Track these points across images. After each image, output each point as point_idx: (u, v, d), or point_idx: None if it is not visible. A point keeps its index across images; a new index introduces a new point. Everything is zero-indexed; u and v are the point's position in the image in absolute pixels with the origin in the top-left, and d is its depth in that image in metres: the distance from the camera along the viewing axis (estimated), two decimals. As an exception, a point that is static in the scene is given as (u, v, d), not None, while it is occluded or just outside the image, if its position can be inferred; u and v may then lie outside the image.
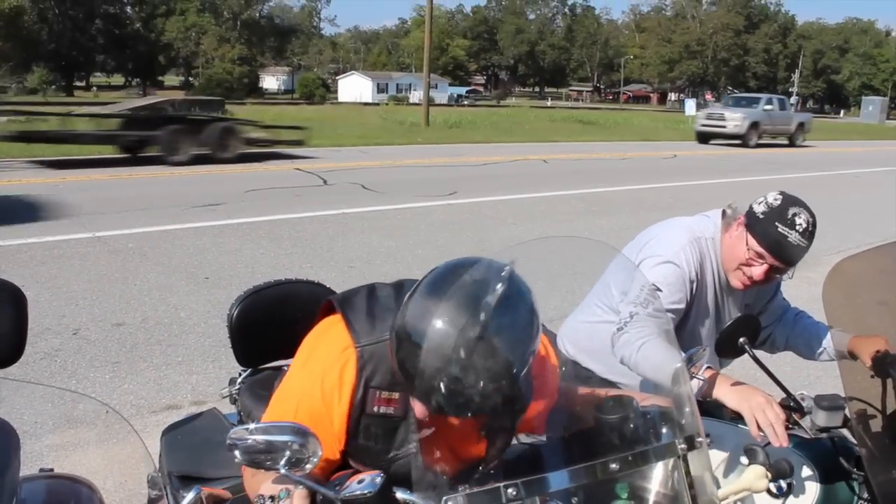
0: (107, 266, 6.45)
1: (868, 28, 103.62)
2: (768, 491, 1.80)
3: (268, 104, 44.49)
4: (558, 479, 1.18)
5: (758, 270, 2.14)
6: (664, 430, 1.37)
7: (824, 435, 1.79)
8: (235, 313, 2.00)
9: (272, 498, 1.23)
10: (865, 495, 1.80)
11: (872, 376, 1.85)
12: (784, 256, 2.09)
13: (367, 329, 1.42)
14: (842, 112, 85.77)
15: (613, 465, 1.21)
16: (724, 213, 2.29)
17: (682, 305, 2.20)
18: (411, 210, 9.77)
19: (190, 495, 1.20)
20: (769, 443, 1.73)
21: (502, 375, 1.14)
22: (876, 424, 1.75)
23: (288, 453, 1.16)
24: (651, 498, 1.32)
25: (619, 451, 1.26)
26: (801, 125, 26.67)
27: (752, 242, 2.12)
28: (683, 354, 1.65)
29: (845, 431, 1.82)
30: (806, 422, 1.81)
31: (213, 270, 6.44)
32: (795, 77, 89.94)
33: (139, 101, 31.09)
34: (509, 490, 1.12)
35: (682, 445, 1.28)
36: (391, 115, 31.98)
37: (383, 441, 1.42)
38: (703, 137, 24.96)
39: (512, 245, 1.52)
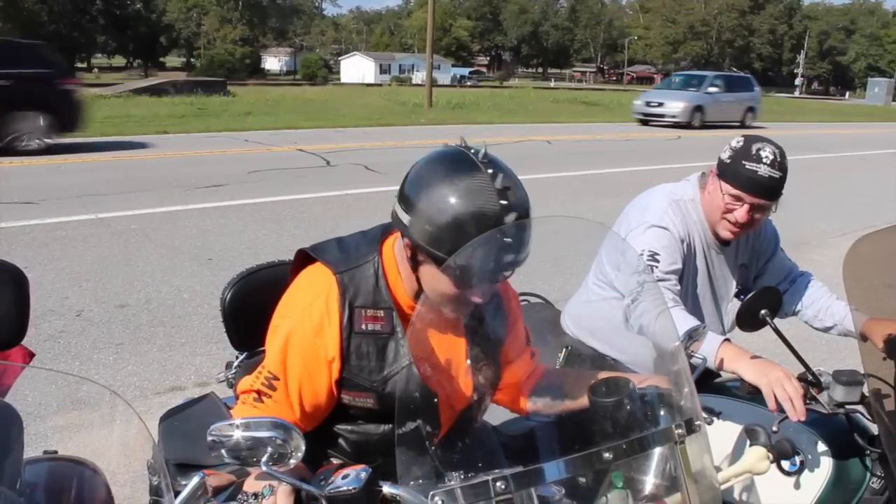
0: (109, 248, 6.43)
1: (875, 9, 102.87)
2: (780, 468, 1.79)
3: (270, 85, 44.33)
4: (549, 471, 1.13)
5: (740, 213, 2.14)
6: (662, 413, 1.32)
7: (841, 411, 1.77)
8: (228, 297, 1.94)
9: (255, 495, 1.19)
10: (879, 472, 1.79)
11: (885, 358, 1.83)
12: (760, 191, 2.09)
13: (341, 259, 1.53)
14: (847, 94, 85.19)
15: (607, 455, 1.16)
16: (702, 174, 2.30)
17: (680, 265, 2.19)
18: (414, 191, 9.70)
19: (194, 480, 1.17)
20: (786, 417, 1.71)
21: (527, 202, 1.35)
22: (891, 403, 1.73)
23: (270, 449, 1.14)
24: (648, 485, 1.27)
25: (615, 438, 1.22)
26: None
27: (727, 187, 2.13)
28: (682, 332, 1.62)
29: (861, 408, 1.80)
30: (823, 397, 1.79)
31: (215, 252, 6.42)
32: (801, 58, 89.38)
33: (141, 82, 31.08)
34: (498, 483, 1.07)
35: (680, 430, 1.24)
36: (394, 95, 31.86)
37: (376, 359, 1.49)
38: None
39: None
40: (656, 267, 2.13)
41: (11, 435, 1.58)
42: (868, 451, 1.79)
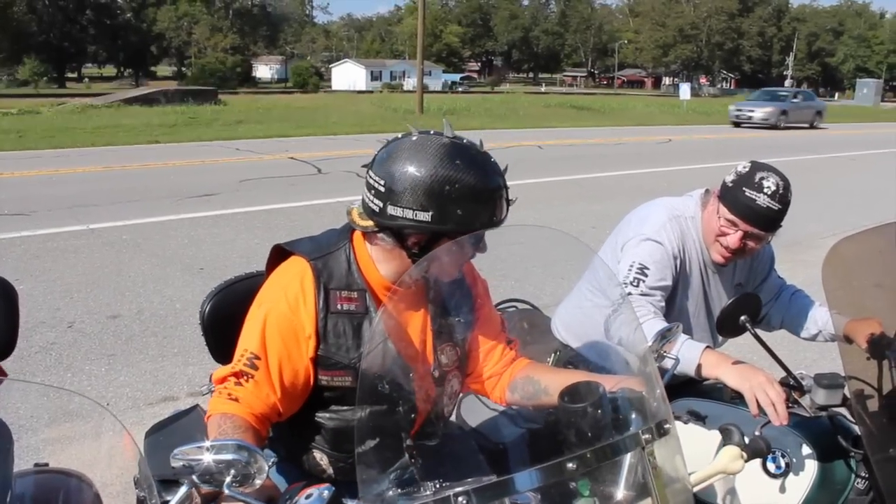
0: (101, 258, 6.42)
1: (862, 10, 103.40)
2: (766, 470, 1.81)
3: (261, 93, 44.33)
4: (513, 484, 1.11)
5: (732, 239, 2.14)
6: (633, 417, 1.32)
7: (823, 413, 1.79)
8: (207, 309, 1.92)
9: None
10: (863, 473, 1.81)
11: (868, 358, 1.85)
12: (755, 220, 2.09)
13: (313, 249, 1.63)
14: (836, 95, 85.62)
15: (570, 465, 1.14)
16: (706, 191, 2.30)
17: (670, 282, 2.19)
18: (406, 198, 9.71)
19: (182, 490, 1.18)
20: (769, 422, 1.72)
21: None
22: (874, 404, 1.75)
23: (234, 471, 1.14)
24: (618, 492, 1.25)
25: (583, 446, 1.20)
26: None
27: (724, 211, 2.13)
28: (655, 332, 1.63)
29: (844, 410, 1.82)
30: (805, 401, 1.81)
31: (207, 261, 6.42)
32: (790, 60, 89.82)
33: (131, 91, 31.02)
34: (460, 499, 1.07)
35: (647, 436, 1.22)
36: (385, 102, 31.87)
37: (353, 336, 1.58)
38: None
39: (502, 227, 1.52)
40: (643, 281, 2.13)
41: (0, 448, 1.58)
42: (852, 453, 1.80)
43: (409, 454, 1.43)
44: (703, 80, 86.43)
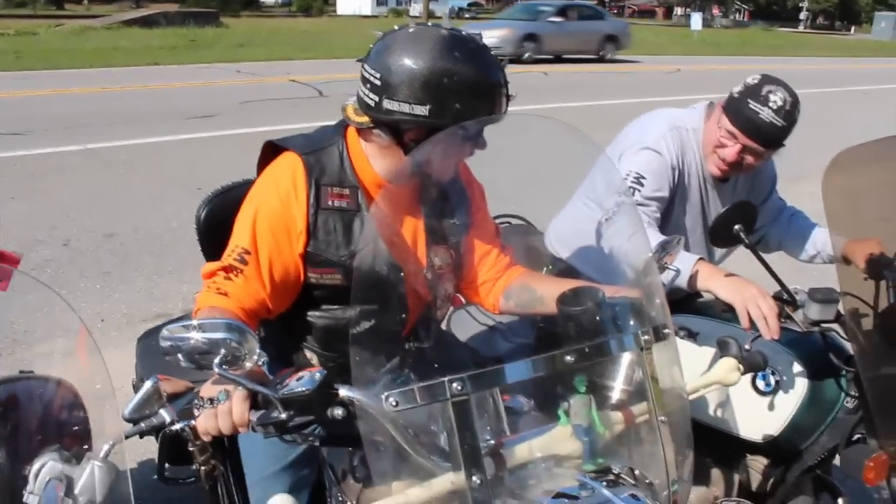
0: (98, 178, 6.37)
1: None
2: (755, 387, 1.78)
3: (264, 17, 43.43)
4: (506, 373, 1.09)
5: (730, 151, 2.08)
6: (631, 322, 1.29)
7: (816, 329, 1.75)
8: (203, 214, 1.90)
9: (211, 400, 1.17)
10: (853, 392, 1.78)
11: (866, 278, 1.80)
12: (755, 134, 2.02)
13: (306, 144, 1.59)
14: (852, 28, 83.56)
15: (569, 358, 1.13)
16: (710, 104, 2.22)
17: (666, 193, 2.14)
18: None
19: (147, 384, 1.15)
20: (759, 336, 1.69)
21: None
22: (868, 322, 1.71)
23: (224, 351, 1.11)
24: (614, 392, 1.24)
25: (581, 342, 1.19)
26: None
27: (725, 121, 2.07)
28: (656, 243, 1.59)
29: (837, 327, 1.78)
30: (798, 316, 1.76)
31: (205, 181, 6.33)
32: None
33: (132, 13, 30.35)
34: (454, 384, 1.04)
35: (645, 337, 1.20)
36: (391, 27, 31.20)
37: (343, 234, 1.55)
38: None
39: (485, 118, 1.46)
40: (639, 190, 2.08)
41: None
42: (843, 371, 1.77)
43: (401, 356, 1.41)
44: (715, 11, 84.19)
